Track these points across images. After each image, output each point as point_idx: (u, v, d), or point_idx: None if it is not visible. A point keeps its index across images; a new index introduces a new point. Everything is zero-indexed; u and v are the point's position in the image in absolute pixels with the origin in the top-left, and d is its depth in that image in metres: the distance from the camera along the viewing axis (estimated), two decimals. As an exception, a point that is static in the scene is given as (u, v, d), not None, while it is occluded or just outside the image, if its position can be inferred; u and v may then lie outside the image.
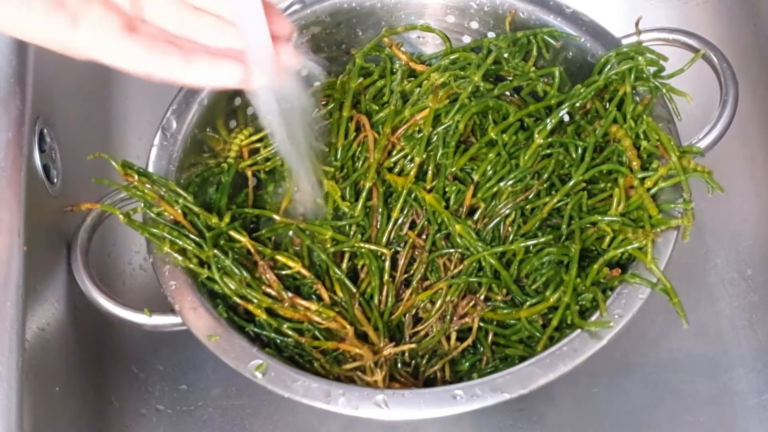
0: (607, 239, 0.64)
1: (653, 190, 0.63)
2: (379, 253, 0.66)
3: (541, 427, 0.72)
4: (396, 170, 0.69)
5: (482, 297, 0.65)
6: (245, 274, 0.62)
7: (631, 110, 0.66)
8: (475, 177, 0.67)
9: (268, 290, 0.63)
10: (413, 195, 0.67)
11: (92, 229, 0.65)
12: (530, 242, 0.64)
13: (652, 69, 0.67)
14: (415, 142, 0.69)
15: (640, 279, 0.60)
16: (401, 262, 0.67)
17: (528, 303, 0.64)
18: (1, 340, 0.54)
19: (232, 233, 0.63)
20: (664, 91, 0.67)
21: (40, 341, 0.59)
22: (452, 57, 0.73)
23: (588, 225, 0.64)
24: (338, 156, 0.70)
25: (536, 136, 0.67)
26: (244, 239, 0.63)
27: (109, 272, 0.76)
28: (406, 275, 0.67)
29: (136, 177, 0.63)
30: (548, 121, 0.67)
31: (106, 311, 0.62)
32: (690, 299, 0.65)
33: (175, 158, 0.67)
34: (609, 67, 0.68)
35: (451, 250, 0.66)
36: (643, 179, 0.64)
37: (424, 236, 0.67)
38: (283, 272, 0.64)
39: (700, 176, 0.63)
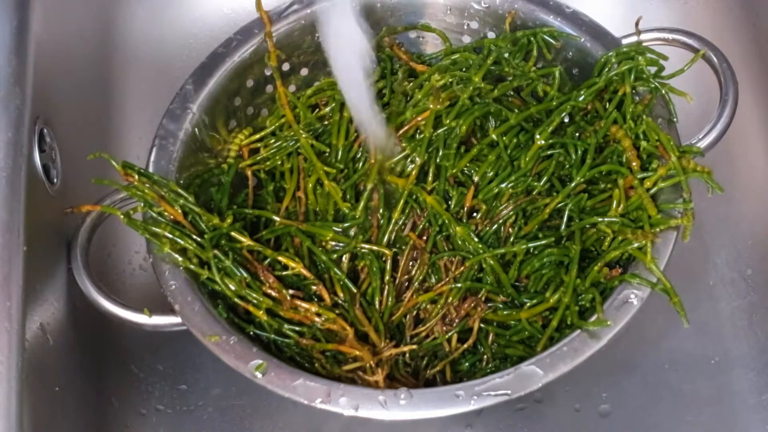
0: (607, 240, 0.64)
1: (653, 191, 0.63)
2: (380, 254, 0.66)
3: (541, 427, 0.72)
4: (396, 171, 0.69)
5: (483, 298, 0.65)
6: (245, 274, 0.62)
7: (630, 110, 0.66)
8: (476, 178, 0.67)
9: (269, 291, 0.63)
10: (414, 196, 0.67)
11: (92, 229, 0.65)
12: (532, 244, 0.64)
13: (652, 69, 0.67)
14: (416, 143, 0.69)
15: (640, 279, 0.60)
16: (402, 263, 0.66)
17: (528, 304, 0.64)
18: (1, 340, 0.54)
19: (234, 234, 0.63)
20: (664, 91, 0.67)
21: (40, 341, 0.59)
22: (453, 57, 0.73)
23: (588, 226, 0.64)
24: (339, 157, 0.70)
25: (537, 137, 0.67)
26: (246, 240, 0.63)
27: (109, 272, 0.76)
28: (406, 276, 0.67)
29: (137, 177, 0.63)
30: (549, 123, 0.67)
31: (106, 311, 0.62)
32: (690, 299, 0.65)
33: (175, 158, 0.66)
34: (609, 67, 0.68)
35: (452, 252, 0.66)
36: (642, 179, 0.63)
37: (424, 238, 0.67)
38: (284, 273, 0.64)
39: (699, 176, 0.63)
